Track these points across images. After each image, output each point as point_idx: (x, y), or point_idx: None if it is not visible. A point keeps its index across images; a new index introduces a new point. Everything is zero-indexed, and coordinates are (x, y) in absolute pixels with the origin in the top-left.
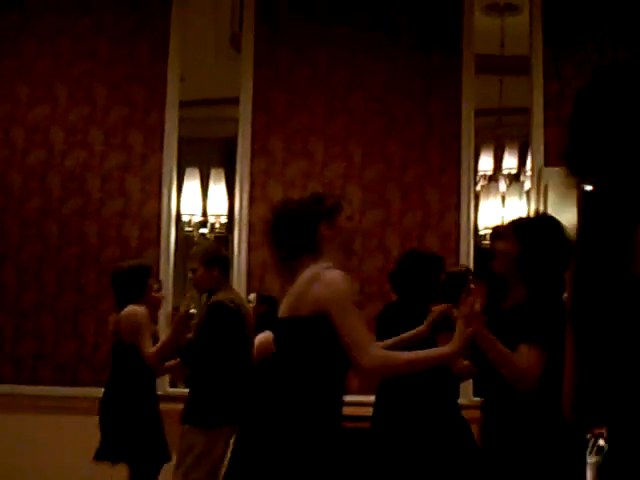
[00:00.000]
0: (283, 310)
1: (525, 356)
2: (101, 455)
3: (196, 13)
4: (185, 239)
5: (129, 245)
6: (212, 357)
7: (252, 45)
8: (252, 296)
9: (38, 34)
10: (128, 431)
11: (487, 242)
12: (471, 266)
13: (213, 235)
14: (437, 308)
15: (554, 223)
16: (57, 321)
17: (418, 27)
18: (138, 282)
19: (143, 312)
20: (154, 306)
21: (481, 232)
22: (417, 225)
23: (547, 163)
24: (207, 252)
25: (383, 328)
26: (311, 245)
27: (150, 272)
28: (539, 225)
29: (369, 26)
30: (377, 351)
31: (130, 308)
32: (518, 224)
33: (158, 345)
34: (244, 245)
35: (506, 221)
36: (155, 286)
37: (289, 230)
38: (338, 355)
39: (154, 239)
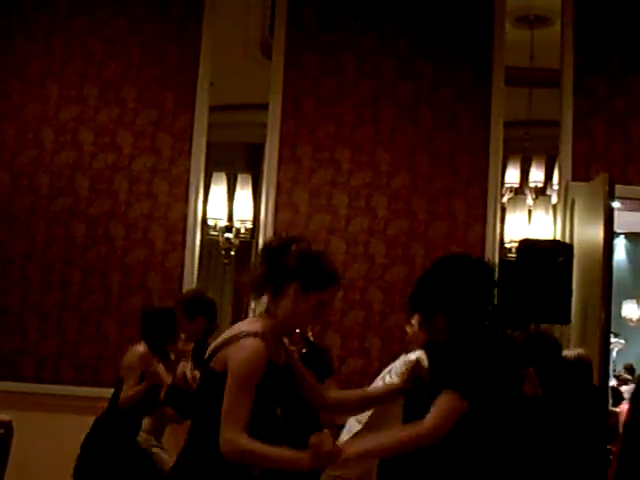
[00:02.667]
0: (210, 350)
1: (435, 410)
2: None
3: (227, 18)
4: (210, 243)
5: (155, 248)
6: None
7: (282, 52)
8: None
9: (68, 35)
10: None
11: (513, 255)
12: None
13: (238, 240)
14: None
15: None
16: (80, 321)
17: (448, 38)
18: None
19: (142, 354)
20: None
21: (507, 245)
22: (442, 236)
23: (574, 177)
24: (187, 302)
25: None
26: (276, 289)
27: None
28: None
29: (398, 36)
30: (234, 436)
31: (134, 348)
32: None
33: (129, 393)
34: None
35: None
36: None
37: (265, 264)
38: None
39: (179, 242)
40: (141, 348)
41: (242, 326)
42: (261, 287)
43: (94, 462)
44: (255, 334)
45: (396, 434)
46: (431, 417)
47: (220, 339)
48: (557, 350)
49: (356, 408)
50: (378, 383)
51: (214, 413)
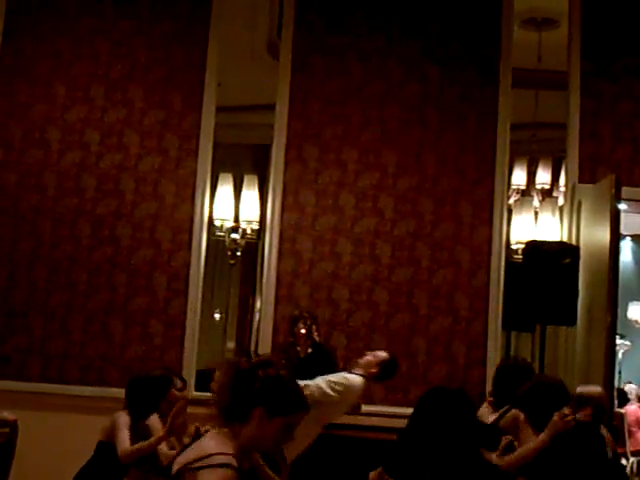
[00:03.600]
0: (178, 465)
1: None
2: None
3: (234, 20)
4: (216, 244)
5: (161, 248)
6: None
7: (289, 53)
8: None
9: (75, 36)
10: None
11: (519, 256)
12: (501, 279)
13: (244, 241)
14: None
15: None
16: (86, 321)
17: (455, 39)
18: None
19: (125, 421)
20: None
21: (513, 246)
22: (448, 237)
23: (581, 179)
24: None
25: None
26: (241, 415)
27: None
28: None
29: (405, 38)
30: None
31: (118, 414)
32: None
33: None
34: (274, 252)
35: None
36: (179, 383)
37: (238, 386)
38: None
39: (186, 243)
40: (125, 418)
41: (211, 446)
42: (230, 411)
43: None
44: (227, 464)
45: None
46: None
47: (190, 456)
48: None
49: None
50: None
51: None
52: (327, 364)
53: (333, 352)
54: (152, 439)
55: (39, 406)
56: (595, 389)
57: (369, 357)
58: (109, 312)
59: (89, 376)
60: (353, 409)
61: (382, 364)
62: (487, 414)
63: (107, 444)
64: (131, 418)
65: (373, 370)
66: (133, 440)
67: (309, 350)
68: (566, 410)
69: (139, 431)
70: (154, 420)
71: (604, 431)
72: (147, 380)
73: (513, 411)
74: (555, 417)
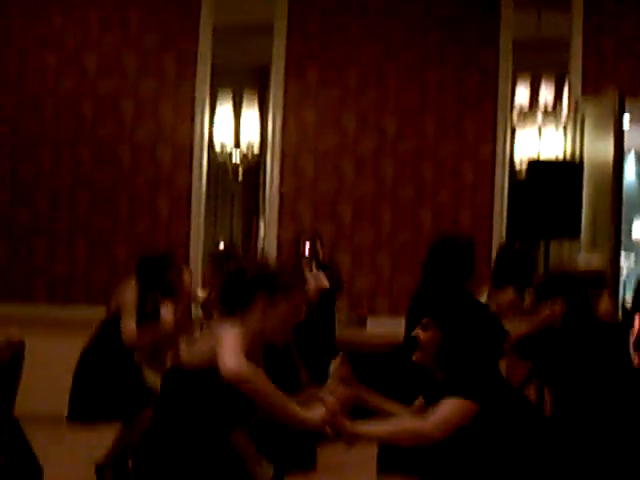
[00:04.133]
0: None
1: (437, 412)
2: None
3: None
4: (218, 165)
5: (161, 169)
6: None
7: None
8: None
9: None
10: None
11: (522, 173)
12: (505, 196)
13: (246, 162)
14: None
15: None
16: (89, 244)
17: None
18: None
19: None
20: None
21: (516, 163)
22: (452, 155)
23: (584, 95)
24: (216, 257)
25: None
26: (242, 305)
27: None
28: (460, 312)
29: None
30: (242, 361)
31: (130, 280)
32: (439, 313)
33: (144, 336)
34: (276, 171)
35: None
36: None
37: (231, 283)
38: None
39: (186, 163)
40: (133, 294)
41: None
42: (230, 305)
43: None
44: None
45: (402, 425)
46: (436, 419)
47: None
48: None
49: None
50: None
51: (181, 412)
52: (332, 283)
53: (338, 270)
54: (159, 328)
55: (45, 329)
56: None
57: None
58: (113, 235)
59: (95, 298)
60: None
61: None
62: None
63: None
64: (138, 291)
65: None
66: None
67: (314, 268)
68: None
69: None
70: (165, 311)
71: None
72: (153, 259)
73: (509, 295)
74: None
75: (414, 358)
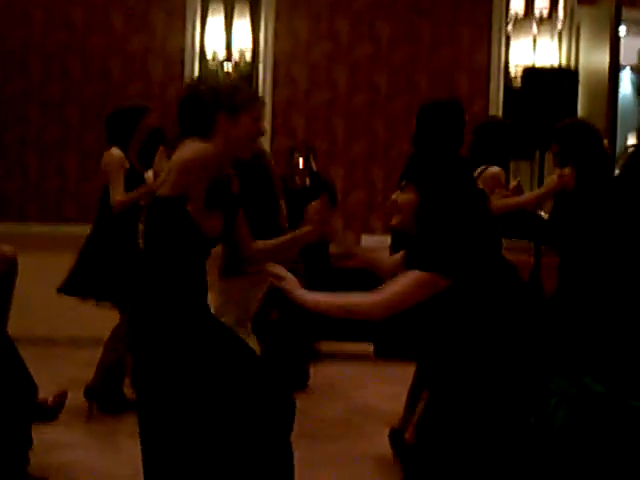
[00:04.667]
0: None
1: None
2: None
3: None
4: (210, 75)
5: (153, 80)
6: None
7: None
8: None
9: None
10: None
11: (517, 81)
12: (500, 105)
13: (237, 71)
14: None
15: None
16: (80, 159)
17: None
18: (130, 123)
19: (118, 154)
20: None
21: (511, 71)
22: (447, 63)
23: (580, 2)
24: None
25: None
26: (204, 130)
27: (143, 112)
28: (441, 174)
29: None
30: None
31: (110, 151)
32: (418, 175)
33: (127, 196)
34: (269, 81)
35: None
36: None
37: (188, 110)
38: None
39: (178, 75)
40: (113, 150)
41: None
42: (194, 130)
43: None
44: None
45: (350, 301)
46: (392, 290)
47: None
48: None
49: (272, 255)
50: None
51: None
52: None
53: (332, 183)
54: (141, 188)
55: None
56: None
57: None
58: (103, 148)
59: (86, 214)
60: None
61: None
62: None
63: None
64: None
65: None
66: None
67: (307, 181)
68: (567, 170)
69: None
70: (150, 176)
71: None
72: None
73: (493, 169)
74: (554, 175)
75: (392, 222)
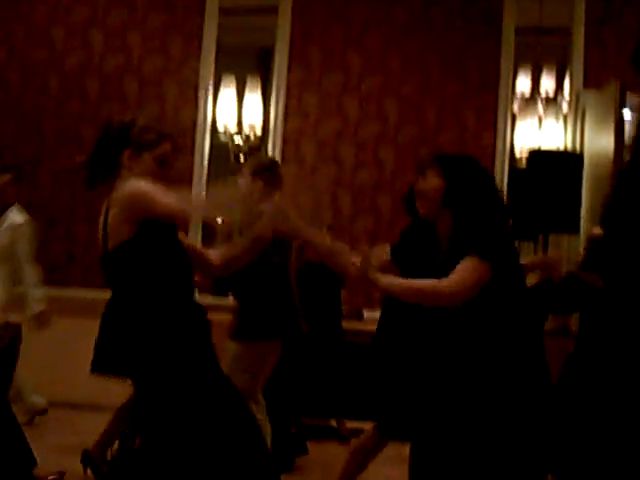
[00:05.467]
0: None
1: (456, 271)
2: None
3: None
4: (220, 148)
5: None
6: (261, 272)
7: None
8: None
9: None
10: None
11: (522, 163)
12: (505, 188)
13: (247, 145)
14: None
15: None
16: (88, 224)
17: None
18: None
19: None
20: None
21: (517, 153)
22: (452, 143)
23: (586, 87)
24: (252, 169)
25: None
26: (112, 168)
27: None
28: (461, 160)
29: None
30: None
31: None
32: (441, 159)
33: None
34: (277, 155)
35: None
36: None
37: (99, 148)
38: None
39: (189, 146)
40: None
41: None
42: (99, 173)
43: None
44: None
45: (421, 283)
46: (453, 277)
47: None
48: None
49: (243, 256)
50: None
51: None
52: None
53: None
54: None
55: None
56: None
57: None
58: None
59: (93, 279)
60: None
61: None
62: None
63: None
64: None
65: None
66: None
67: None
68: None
69: None
70: None
71: None
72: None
73: None
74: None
75: (420, 211)
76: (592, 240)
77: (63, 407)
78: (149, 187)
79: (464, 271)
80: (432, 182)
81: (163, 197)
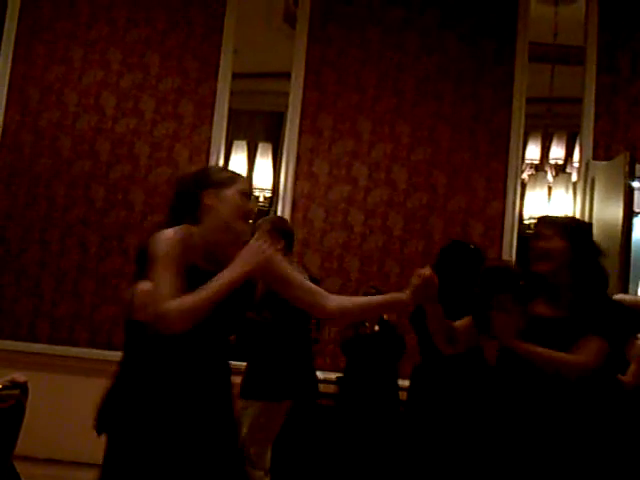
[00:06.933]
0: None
1: (589, 348)
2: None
3: None
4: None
5: None
6: (273, 332)
7: (306, 22)
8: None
9: (93, 0)
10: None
11: (531, 231)
12: (514, 255)
13: (256, 208)
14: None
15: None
16: (97, 284)
17: (473, 12)
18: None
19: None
20: None
21: (526, 221)
22: (462, 211)
23: (595, 156)
24: (273, 225)
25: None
26: (191, 211)
27: None
28: (585, 225)
29: (423, 9)
30: (164, 307)
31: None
32: (563, 223)
33: None
34: (287, 219)
35: (552, 213)
36: None
37: (175, 195)
38: None
39: None
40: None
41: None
42: (179, 215)
43: None
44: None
45: (560, 354)
46: (586, 353)
47: None
48: None
49: (359, 314)
50: None
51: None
52: (394, 340)
53: (397, 328)
54: None
55: (47, 368)
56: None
57: None
58: (120, 276)
59: (99, 339)
60: None
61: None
62: None
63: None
64: None
65: None
66: None
67: (376, 327)
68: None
69: None
70: None
71: None
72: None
73: None
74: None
75: (541, 268)
76: None
77: None
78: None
79: (597, 350)
80: (556, 243)
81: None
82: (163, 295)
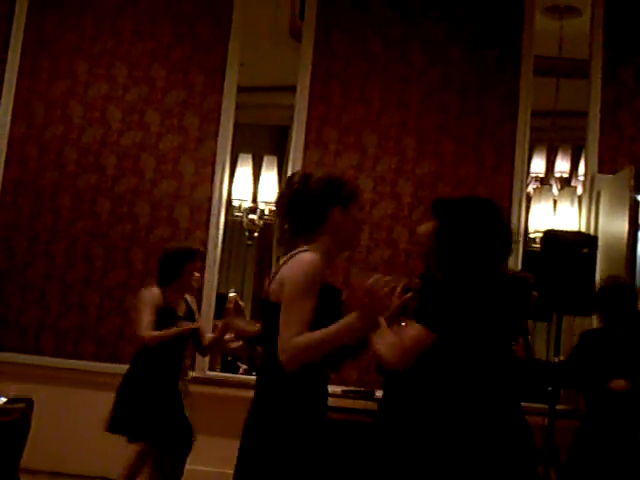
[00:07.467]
0: (268, 292)
1: (409, 334)
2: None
3: (257, 0)
4: (234, 224)
5: (179, 226)
6: None
7: (312, 35)
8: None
9: (98, 13)
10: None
11: (537, 245)
12: (519, 269)
13: (262, 222)
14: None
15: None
16: (102, 297)
17: (478, 25)
18: (176, 265)
19: (154, 292)
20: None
21: (531, 235)
22: None
23: (600, 169)
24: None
25: None
26: (317, 225)
27: (191, 256)
28: (461, 204)
29: (428, 22)
30: (290, 342)
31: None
32: (439, 203)
33: (157, 332)
34: None
35: (557, 227)
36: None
37: (302, 205)
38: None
39: (203, 222)
40: (151, 289)
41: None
42: (301, 229)
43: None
44: (308, 251)
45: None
46: (403, 341)
47: (280, 274)
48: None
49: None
50: None
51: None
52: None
53: None
54: (180, 329)
55: (53, 381)
56: None
57: None
58: (126, 289)
59: (104, 352)
60: None
61: None
62: None
63: None
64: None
65: None
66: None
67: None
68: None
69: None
70: (192, 301)
71: None
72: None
73: None
74: None
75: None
76: None
77: None
78: None
79: (411, 339)
80: (426, 225)
81: None
82: (292, 330)
